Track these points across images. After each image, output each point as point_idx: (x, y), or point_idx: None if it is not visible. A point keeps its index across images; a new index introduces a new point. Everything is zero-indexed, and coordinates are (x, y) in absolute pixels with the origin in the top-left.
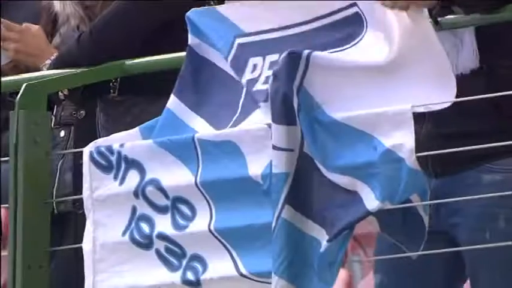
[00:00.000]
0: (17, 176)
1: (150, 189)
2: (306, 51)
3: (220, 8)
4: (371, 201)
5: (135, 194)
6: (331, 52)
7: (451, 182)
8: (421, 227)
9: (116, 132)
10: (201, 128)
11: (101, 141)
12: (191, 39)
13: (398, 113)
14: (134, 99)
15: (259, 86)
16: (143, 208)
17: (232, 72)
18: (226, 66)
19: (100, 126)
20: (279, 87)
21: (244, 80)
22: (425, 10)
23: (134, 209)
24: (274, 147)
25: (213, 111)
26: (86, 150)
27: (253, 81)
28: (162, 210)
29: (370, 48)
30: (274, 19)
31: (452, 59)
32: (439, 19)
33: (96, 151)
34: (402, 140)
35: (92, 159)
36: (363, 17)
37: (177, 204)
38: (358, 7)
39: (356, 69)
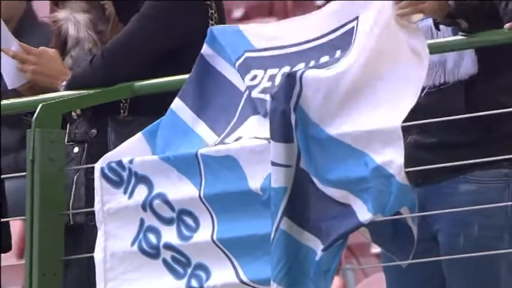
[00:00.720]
0: (33, 190)
1: (157, 203)
2: (299, 72)
3: (241, 26)
4: (364, 213)
5: (143, 207)
6: (329, 68)
7: (431, 190)
8: (411, 237)
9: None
10: (202, 130)
11: (110, 156)
12: (205, 49)
13: (389, 131)
14: (143, 119)
15: (256, 94)
16: (151, 220)
17: (235, 81)
18: (231, 75)
19: (111, 145)
20: (277, 106)
21: (243, 85)
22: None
23: (142, 221)
24: (273, 163)
25: (214, 115)
26: (97, 167)
27: (251, 88)
28: (168, 222)
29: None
30: (284, 37)
31: (454, 65)
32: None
33: (108, 167)
34: (392, 156)
35: (103, 175)
36: (354, 32)
37: (182, 216)
38: (357, 21)
39: (343, 87)
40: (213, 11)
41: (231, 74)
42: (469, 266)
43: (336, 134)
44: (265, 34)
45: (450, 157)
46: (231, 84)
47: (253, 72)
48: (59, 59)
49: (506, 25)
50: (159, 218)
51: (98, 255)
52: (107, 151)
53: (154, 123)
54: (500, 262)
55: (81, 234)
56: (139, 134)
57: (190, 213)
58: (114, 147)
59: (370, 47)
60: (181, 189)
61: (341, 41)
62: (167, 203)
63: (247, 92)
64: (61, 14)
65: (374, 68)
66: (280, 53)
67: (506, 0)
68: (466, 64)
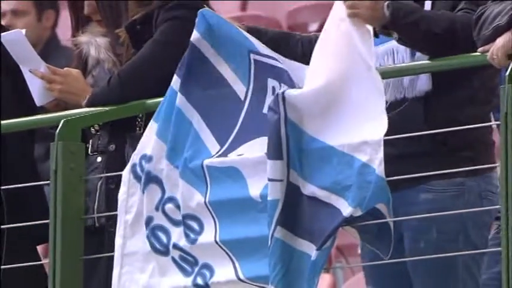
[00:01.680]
0: (56, 197)
1: (168, 206)
2: (281, 91)
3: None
4: (345, 208)
5: (156, 207)
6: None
7: (395, 199)
8: (388, 231)
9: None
10: (207, 138)
11: (136, 153)
12: (194, 35)
13: (374, 140)
14: None
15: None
16: (160, 220)
17: (231, 80)
18: (227, 73)
19: (129, 159)
20: (272, 122)
21: (266, 103)
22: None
23: (150, 219)
24: (269, 179)
25: (217, 122)
26: (128, 167)
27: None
28: (176, 224)
29: (329, 85)
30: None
31: (410, 83)
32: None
33: (138, 163)
34: (374, 155)
35: (133, 170)
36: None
37: (186, 221)
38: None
39: (319, 100)
40: None
41: (226, 72)
42: (430, 266)
43: (329, 144)
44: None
45: (411, 168)
46: (229, 87)
47: (270, 82)
48: (82, 79)
49: (480, 49)
50: (170, 220)
51: (118, 240)
52: (124, 165)
53: (160, 113)
54: (457, 260)
55: (104, 237)
56: (155, 136)
57: (195, 218)
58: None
59: (331, 66)
60: (188, 196)
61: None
62: (178, 207)
63: (248, 102)
64: (83, 38)
65: (340, 87)
66: (281, 66)
67: (480, 28)
68: (421, 81)
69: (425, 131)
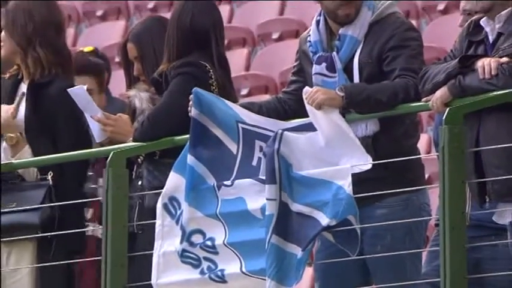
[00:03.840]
0: (108, 208)
1: (195, 235)
2: (280, 130)
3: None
4: (324, 219)
5: (182, 236)
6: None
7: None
8: (356, 236)
9: (157, 182)
10: (211, 180)
11: (167, 192)
12: (193, 111)
13: (345, 168)
14: (167, 161)
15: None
16: (191, 247)
17: (226, 142)
18: (223, 137)
19: (144, 179)
20: (268, 155)
21: (255, 159)
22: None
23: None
24: (266, 199)
25: (220, 175)
26: (160, 203)
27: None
28: (196, 245)
29: (316, 135)
30: (263, 122)
31: (364, 126)
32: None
33: (170, 203)
34: (346, 180)
35: (165, 207)
36: (313, 123)
37: (204, 233)
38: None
39: (310, 144)
40: (213, 80)
41: (220, 134)
42: (385, 262)
43: (314, 172)
44: (251, 116)
45: (369, 189)
46: (224, 145)
47: (257, 143)
48: (129, 123)
49: (423, 99)
50: (197, 245)
51: (155, 255)
52: (155, 187)
53: (180, 158)
54: (405, 258)
55: (135, 240)
56: (171, 172)
57: (203, 232)
58: (146, 180)
59: (323, 127)
60: (201, 216)
61: (306, 127)
62: (200, 232)
63: (240, 157)
64: (131, 92)
65: (329, 137)
66: (265, 133)
67: (424, 84)
68: (370, 124)
69: (375, 161)
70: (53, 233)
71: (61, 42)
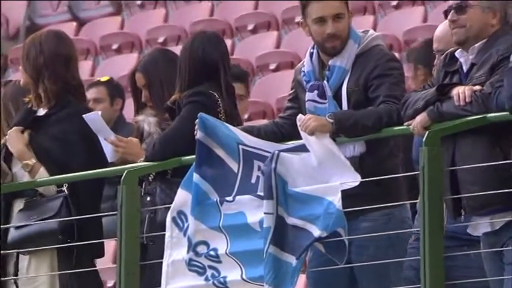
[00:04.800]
0: (122, 221)
1: (200, 246)
2: (277, 151)
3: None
4: (316, 231)
5: (188, 247)
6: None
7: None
8: (344, 247)
9: (169, 199)
10: (214, 196)
11: (175, 207)
12: (199, 134)
13: (335, 185)
14: (178, 180)
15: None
16: (196, 256)
17: (228, 162)
18: (226, 158)
19: (157, 196)
20: (266, 173)
21: (254, 177)
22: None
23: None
24: (264, 213)
25: (222, 191)
26: (169, 216)
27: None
28: (201, 255)
29: (309, 156)
30: (261, 144)
31: (352, 147)
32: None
33: (178, 216)
34: (336, 196)
35: (174, 220)
36: (306, 145)
37: (206, 242)
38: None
39: (304, 164)
40: (220, 108)
41: (223, 154)
42: (371, 270)
43: (308, 189)
44: (250, 138)
45: (355, 205)
46: (226, 164)
47: (256, 163)
48: (139, 145)
49: (405, 123)
50: (202, 255)
51: (164, 263)
52: (163, 201)
53: (187, 176)
54: (389, 267)
55: (146, 251)
56: (179, 189)
57: (207, 243)
58: (159, 198)
59: (316, 149)
60: (206, 228)
61: (297, 147)
62: (205, 243)
63: (240, 175)
64: (140, 117)
65: (321, 159)
66: (263, 154)
67: (405, 109)
68: (358, 145)
69: (362, 179)
70: (73, 243)
71: (70, 74)
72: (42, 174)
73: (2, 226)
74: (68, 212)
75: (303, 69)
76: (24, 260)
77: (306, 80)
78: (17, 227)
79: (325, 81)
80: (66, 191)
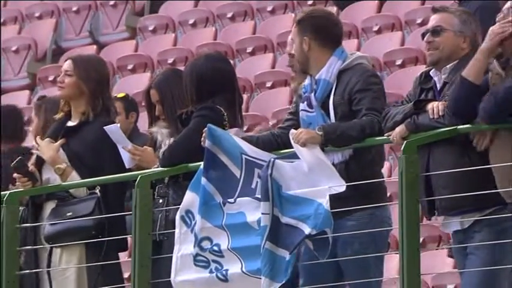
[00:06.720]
0: (136, 220)
1: (204, 242)
2: (272, 159)
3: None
4: (306, 229)
5: (194, 242)
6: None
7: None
8: (328, 245)
9: (180, 200)
10: (218, 198)
11: (184, 206)
12: (206, 142)
13: (324, 189)
14: (189, 182)
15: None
16: (202, 251)
17: (232, 168)
18: (230, 165)
19: (170, 198)
20: (263, 178)
21: (254, 182)
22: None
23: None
24: (261, 213)
25: (226, 194)
26: (178, 215)
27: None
28: (206, 249)
29: (301, 162)
30: (260, 154)
31: (340, 154)
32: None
33: (186, 215)
34: (325, 198)
35: (182, 219)
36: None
37: (210, 238)
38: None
39: (296, 170)
40: (226, 121)
41: (227, 162)
42: (354, 264)
43: (300, 192)
44: (252, 148)
45: (341, 205)
46: (229, 170)
47: (256, 170)
48: (153, 153)
49: (385, 134)
50: (207, 250)
51: (174, 257)
52: (174, 203)
53: (194, 179)
54: (370, 260)
55: (161, 246)
56: (188, 191)
57: (211, 239)
58: (172, 199)
59: (307, 159)
60: (212, 229)
61: (290, 156)
62: (208, 239)
63: (242, 180)
64: (153, 128)
65: (311, 166)
66: (262, 164)
67: (386, 122)
68: (345, 152)
69: (347, 183)
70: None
71: (109, 92)
72: (74, 177)
73: (43, 223)
74: (99, 210)
75: (304, 83)
76: (56, 254)
77: (303, 92)
78: (52, 224)
79: (312, 94)
80: (98, 193)
